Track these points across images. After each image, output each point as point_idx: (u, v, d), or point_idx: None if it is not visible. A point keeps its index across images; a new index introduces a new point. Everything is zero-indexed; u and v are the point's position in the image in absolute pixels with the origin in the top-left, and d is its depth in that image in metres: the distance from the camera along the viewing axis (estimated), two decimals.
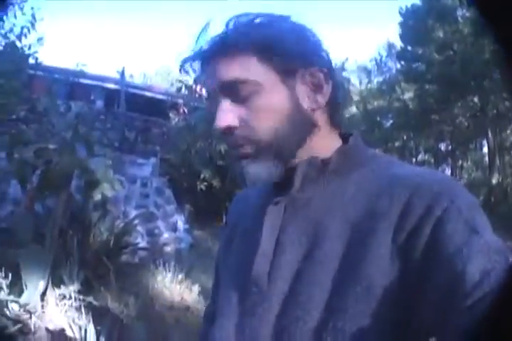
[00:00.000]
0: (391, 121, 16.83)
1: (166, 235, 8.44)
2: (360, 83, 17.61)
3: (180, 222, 8.99)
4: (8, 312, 3.26)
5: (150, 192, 9.12)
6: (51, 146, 6.05)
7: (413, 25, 14.22)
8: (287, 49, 0.88)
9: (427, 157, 17.18)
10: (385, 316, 0.79)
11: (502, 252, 0.75)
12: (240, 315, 0.94)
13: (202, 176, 10.77)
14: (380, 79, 17.85)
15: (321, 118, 0.94)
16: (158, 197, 9.25)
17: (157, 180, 9.44)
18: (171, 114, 11.40)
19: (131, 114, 10.30)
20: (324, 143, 0.95)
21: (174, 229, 8.77)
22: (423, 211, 0.79)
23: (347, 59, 13.58)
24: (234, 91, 0.89)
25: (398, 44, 15.59)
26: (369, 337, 0.79)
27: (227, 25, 0.92)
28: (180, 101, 11.63)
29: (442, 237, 0.76)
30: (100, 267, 5.66)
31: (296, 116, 0.90)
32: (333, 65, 0.97)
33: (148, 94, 12.15)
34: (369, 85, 18.12)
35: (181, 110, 11.49)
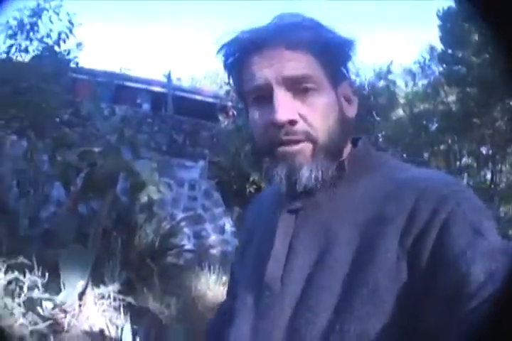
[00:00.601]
0: (436, 125, 16.47)
1: (213, 237, 8.45)
2: (406, 86, 17.29)
3: (228, 224, 8.98)
4: (41, 311, 3.29)
5: (198, 194, 9.15)
6: (96, 149, 6.15)
7: (451, 27, 13.86)
8: (340, 58, 0.93)
9: (470, 161, 16.70)
10: (391, 318, 0.79)
11: (506, 253, 0.74)
12: (254, 317, 0.95)
13: (251, 179, 10.73)
14: (425, 82, 17.47)
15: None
16: (206, 199, 9.27)
17: (205, 182, 9.47)
18: (220, 117, 11.44)
19: (179, 117, 10.38)
20: (346, 148, 0.97)
21: (222, 231, 8.77)
22: (429, 215, 0.79)
23: (392, 62, 13.33)
24: (296, 85, 0.88)
25: (439, 46, 15.23)
26: (374, 339, 0.80)
27: (280, 19, 0.91)
28: (230, 103, 11.67)
29: (448, 240, 0.76)
30: (144, 268, 5.70)
31: (343, 120, 0.92)
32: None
33: (196, 97, 12.24)
34: (414, 88, 17.78)
35: (230, 113, 11.52)
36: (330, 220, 0.91)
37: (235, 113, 11.59)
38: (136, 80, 10.16)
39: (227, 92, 11.75)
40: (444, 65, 15.19)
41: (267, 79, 0.88)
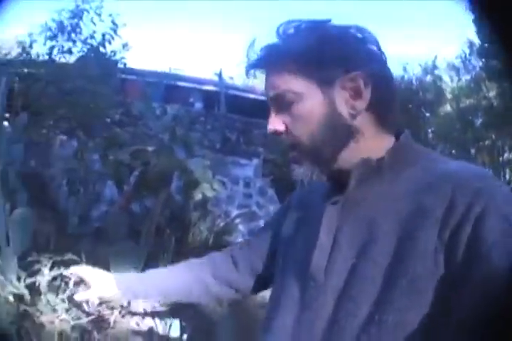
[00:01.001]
0: (480, 120, 15.95)
1: None
2: (452, 81, 16.84)
3: None
4: (86, 307, 3.34)
5: (253, 192, 9.16)
6: (149, 148, 6.24)
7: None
8: (325, 59, 0.95)
9: (511, 156, 16.09)
10: (427, 310, 0.82)
11: None
12: (299, 308, 0.98)
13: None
14: (468, 77, 16.93)
15: (364, 121, 0.97)
16: (260, 197, 9.27)
17: (260, 180, 9.46)
18: None
19: (231, 115, 10.41)
20: (373, 144, 0.99)
21: None
22: (465, 208, 0.81)
23: (436, 57, 12.94)
24: (279, 101, 0.98)
25: (477, 41, 14.68)
26: (411, 329, 0.82)
27: (276, 33, 1.00)
28: None
29: (482, 233, 0.78)
30: None
31: (333, 123, 0.95)
32: (383, 63, 1.01)
33: (249, 95, 12.24)
34: (459, 83, 17.30)
35: None
36: (373, 213, 0.94)
37: None
38: (187, 79, 10.24)
39: None
40: (483, 60, 14.72)
41: (266, 95, 1.02)
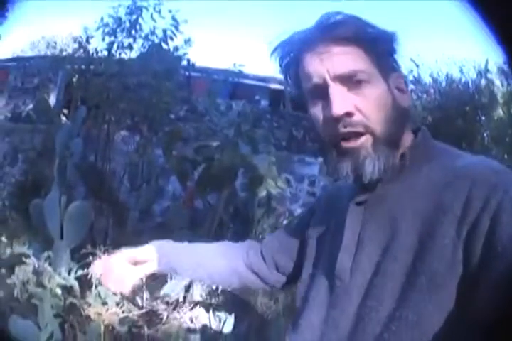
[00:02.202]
0: None
1: None
2: (502, 85, 16.15)
3: None
4: (139, 301, 3.38)
5: (317, 191, 9.07)
6: (214, 144, 6.27)
7: None
8: (386, 50, 0.95)
9: None
10: (446, 306, 0.82)
11: None
12: (326, 307, 0.99)
13: None
14: None
15: None
16: None
17: (325, 178, 9.35)
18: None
19: (297, 113, 10.35)
20: (406, 138, 0.99)
21: None
22: (482, 204, 0.81)
23: (487, 61, 12.40)
24: (349, 79, 0.92)
25: None
26: (430, 326, 0.83)
27: (327, 19, 0.95)
28: None
29: (498, 229, 0.78)
30: None
31: (398, 109, 0.95)
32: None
33: None
34: (508, 88, 16.58)
35: None
36: (394, 210, 0.93)
37: None
38: (253, 77, 10.26)
39: None
40: None
41: (321, 76, 0.93)
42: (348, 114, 0.91)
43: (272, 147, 7.68)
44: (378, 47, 0.94)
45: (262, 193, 6.72)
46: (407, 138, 0.99)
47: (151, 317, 3.43)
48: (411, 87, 11.40)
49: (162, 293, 3.62)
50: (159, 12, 5.28)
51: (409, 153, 0.97)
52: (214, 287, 4.51)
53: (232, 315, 3.96)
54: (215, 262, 1.31)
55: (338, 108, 0.91)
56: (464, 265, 0.81)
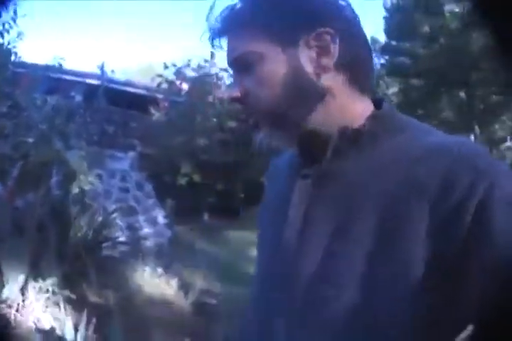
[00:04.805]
0: None
1: (146, 229, 8.44)
2: None
3: (161, 216, 9.00)
4: None
5: (130, 186, 9.11)
6: (30, 140, 6.04)
7: (399, 19, 14.35)
8: (286, 19, 0.88)
9: None
10: (418, 299, 0.75)
11: None
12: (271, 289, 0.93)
13: (182, 171, 10.78)
14: None
15: (334, 81, 0.89)
16: (138, 191, 9.25)
17: (137, 174, 9.44)
18: (152, 109, 11.39)
19: (110, 108, 10.28)
20: (349, 109, 0.90)
21: (154, 223, 8.78)
22: (466, 188, 0.74)
23: None
24: (239, 64, 0.92)
25: (381, 38, 15.70)
26: (402, 318, 0.76)
27: (229, 8, 0.93)
28: (160, 96, 11.62)
29: (487, 219, 0.73)
30: (80, 261, 5.65)
31: (298, 83, 0.88)
32: (354, 21, 0.93)
33: (128, 89, 12.13)
34: None
35: (162, 105, 11.48)
36: (350, 187, 0.86)
37: (167, 105, 11.57)
38: (71, 72, 9.96)
39: (159, 85, 11.70)
40: (387, 57, 15.63)
41: (228, 63, 0.96)
42: (237, 98, 0.93)
43: (83, 142, 7.57)
44: (280, 18, 0.88)
45: (75, 190, 6.64)
46: (364, 107, 0.91)
47: (4, 322, 3.31)
48: None
49: (3, 297, 3.50)
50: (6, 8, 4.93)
51: (368, 123, 0.88)
52: (45, 288, 4.43)
53: (70, 316, 3.97)
54: None
55: (230, 92, 0.95)
56: (442, 249, 0.74)
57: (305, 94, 0.88)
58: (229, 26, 0.92)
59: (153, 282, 6.10)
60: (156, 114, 11.35)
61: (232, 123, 11.29)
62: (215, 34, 0.95)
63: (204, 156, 10.94)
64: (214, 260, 7.45)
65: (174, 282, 6.05)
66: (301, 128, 0.89)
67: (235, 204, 11.29)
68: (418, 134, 0.87)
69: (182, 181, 10.67)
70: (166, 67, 11.77)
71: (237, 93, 0.92)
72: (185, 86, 11.91)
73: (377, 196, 0.82)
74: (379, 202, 0.81)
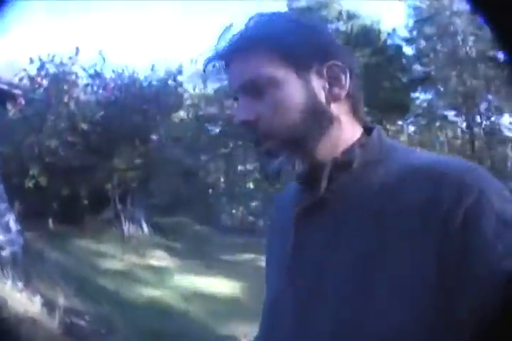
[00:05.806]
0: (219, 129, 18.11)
1: (0, 237, 8.05)
2: (194, 89, 18.16)
3: (13, 222, 8.61)
4: None
5: None
6: None
7: None
8: (300, 46, 0.91)
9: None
10: (414, 311, 0.77)
11: None
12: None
13: (31, 173, 10.36)
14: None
15: (341, 110, 0.94)
16: None
17: None
18: (8, 105, 10.84)
19: None
20: (347, 136, 0.94)
21: (8, 230, 8.37)
22: (451, 203, 0.76)
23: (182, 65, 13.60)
24: (252, 88, 0.91)
25: None
26: (397, 333, 0.77)
27: (245, 25, 0.95)
28: (19, 92, 11.10)
29: (474, 231, 0.74)
30: None
31: (312, 109, 0.90)
32: (352, 56, 1.00)
33: None
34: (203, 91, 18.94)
35: (19, 101, 10.96)
36: (345, 211, 0.89)
37: (23, 102, 11.06)
38: None
39: (21, 79, 11.14)
40: None
41: (232, 86, 0.96)
42: (247, 122, 0.92)
43: None
44: (294, 45, 0.91)
45: None
46: (358, 132, 0.96)
47: None
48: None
49: None
50: None
51: (359, 151, 0.92)
52: None
53: None
54: None
55: (238, 116, 0.93)
56: (433, 266, 0.76)
57: (319, 120, 0.92)
58: (237, 49, 0.93)
59: (15, 296, 5.88)
60: (12, 111, 10.81)
61: (84, 126, 11.09)
62: (219, 56, 0.96)
63: (52, 158, 10.62)
64: (67, 272, 7.35)
65: (37, 299, 5.88)
66: (314, 154, 0.93)
67: (78, 211, 11.10)
68: (404, 157, 0.91)
69: (30, 184, 10.28)
70: (31, 61, 11.24)
71: (249, 117, 0.92)
72: (45, 82, 11.46)
73: (369, 219, 0.85)
74: (369, 225, 0.84)
